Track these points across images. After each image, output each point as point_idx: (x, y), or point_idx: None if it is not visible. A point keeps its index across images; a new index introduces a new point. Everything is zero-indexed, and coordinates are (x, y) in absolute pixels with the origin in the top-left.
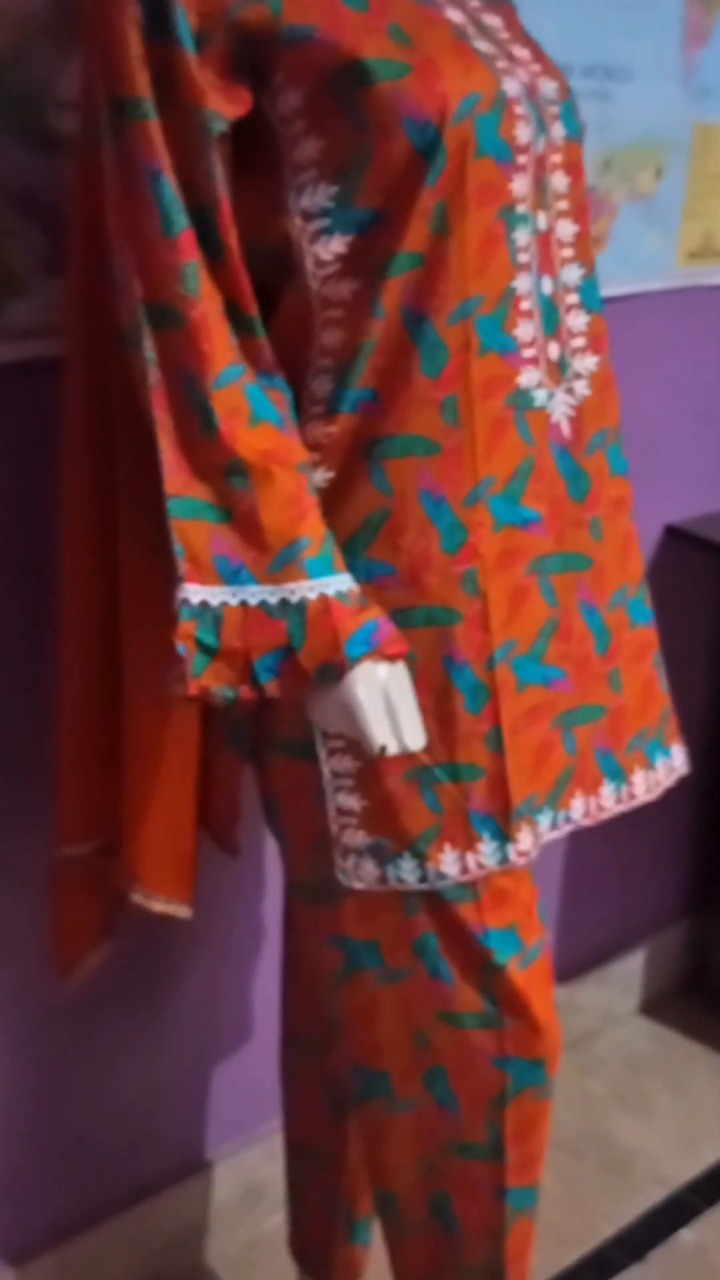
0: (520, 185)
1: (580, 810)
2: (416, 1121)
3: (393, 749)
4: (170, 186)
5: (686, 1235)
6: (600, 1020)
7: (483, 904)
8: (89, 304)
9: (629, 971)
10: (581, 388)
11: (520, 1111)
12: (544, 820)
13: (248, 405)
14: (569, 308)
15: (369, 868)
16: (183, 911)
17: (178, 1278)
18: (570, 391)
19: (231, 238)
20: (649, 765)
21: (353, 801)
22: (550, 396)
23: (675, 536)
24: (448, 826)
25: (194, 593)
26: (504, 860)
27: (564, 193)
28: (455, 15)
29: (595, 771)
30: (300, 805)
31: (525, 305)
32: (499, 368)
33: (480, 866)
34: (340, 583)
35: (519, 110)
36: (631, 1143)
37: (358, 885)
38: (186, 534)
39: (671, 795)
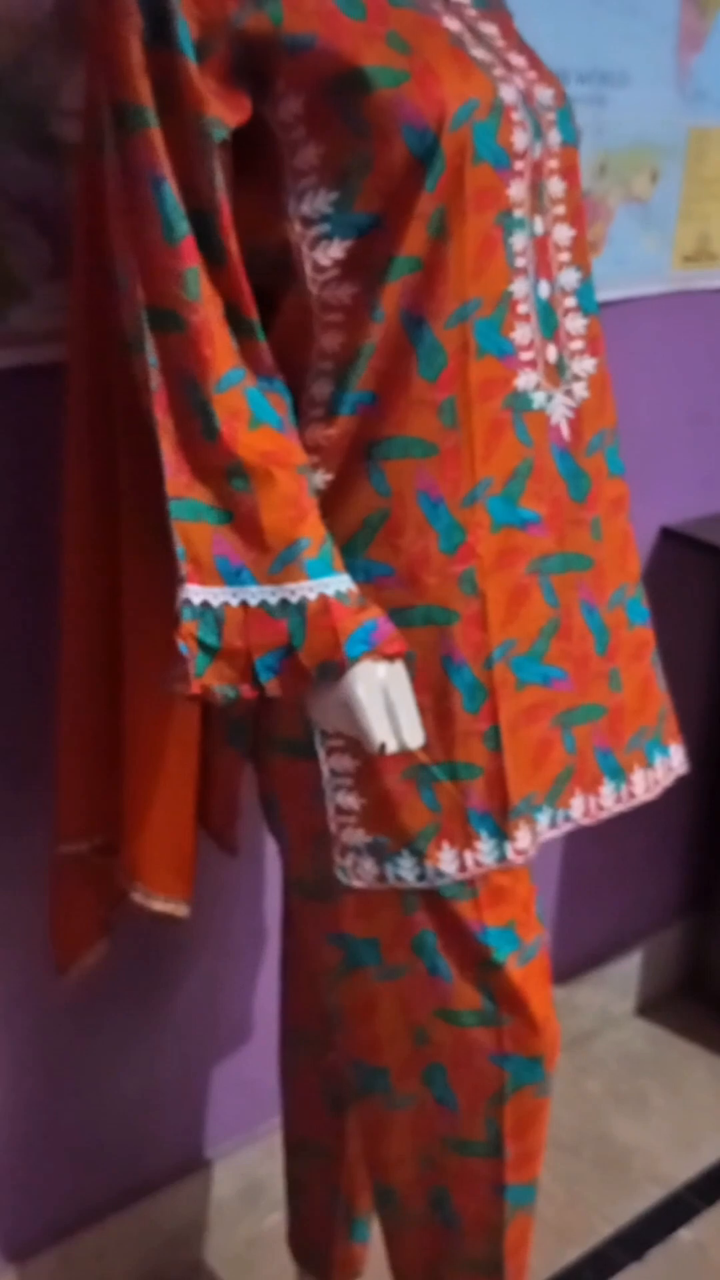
0: (517, 190)
1: (580, 809)
2: (415, 1117)
3: (392, 747)
4: (171, 193)
5: (685, 1234)
6: (598, 1021)
7: (481, 902)
8: (92, 309)
9: (626, 972)
10: (580, 390)
11: (519, 1108)
12: (543, 819)
13: (248, 408)
14: (566, 311)
15: (368, 866)
16: (181, 911)
17: (178, 1275)
18: (569, 394)
19: (232, 243)
20: (648, 764)
21: (352, 800)
22: (549, 398)
23: (670, 538)
24: (446, 825)
25: (195, 593)
26: (502, 858)
27: (560, 197)
28: (452, 23)
29: (595, 770)
30: (300, 804)
31: (522, 309)
32: (496, 370)
33: (478, 864)
34: (339, 583)
35: (516, 117)
36: (629, 1142)
37: (357, 883)
38: (188, 535)
39: (668, 796)
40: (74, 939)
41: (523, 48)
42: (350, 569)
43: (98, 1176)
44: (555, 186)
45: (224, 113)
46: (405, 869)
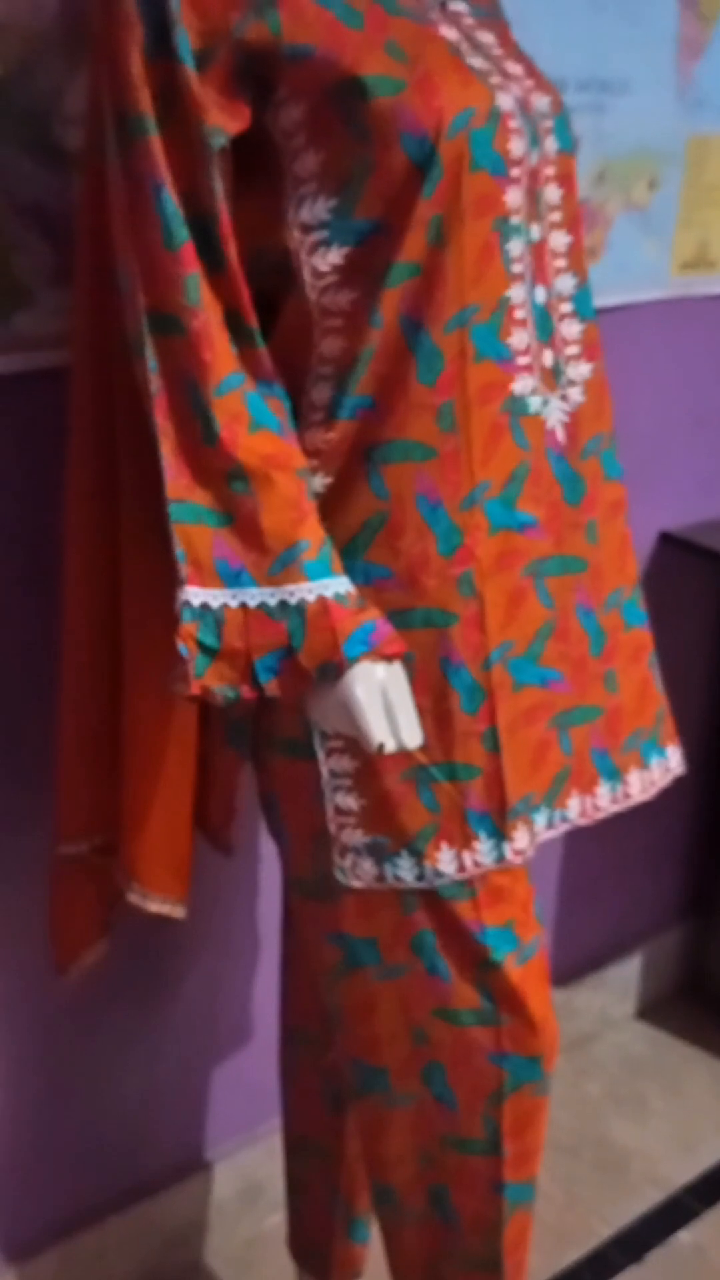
0: (514, 197)
1: (576, 810)
2: (414, 1116)
3: (390, 747)
4: (172, 200)
5: (684, 1236)
6: (597, 1024)
7: (480, 902)
8: (95, 312)
9: (626, 976)
10: (576, 394)
11: (517, 1107)
12: (540, 819)
13: (248, 412)
14: (563, 316)
15: (367, 866)
16: (178, 911)
17: (177, 1276)
18: (565, 398)
19: (231, 249)
20: (644, 765)
21: (351, 801)
22: (545, 403)
23: (670, 543)
24: (445, 825)
25: (195, 595)
26: (500, 858)
27: (557, 204)
28: (450, 32)
29: (591, 771)
30: (299, 804)
31: (520, 314)
32: (494, 375)
33: (477, 865)
34: (338, 584)
35: (513, 124)
36: (628, 1145)
37: (356, 883)
38: (188, 538)
39: (668, 800)
40: (73, 939)
41: (520, 56)
42: (350, 571)
43: (98, 1177)
44: (552, 193)
45: (224, 121)
46: (404, 869)
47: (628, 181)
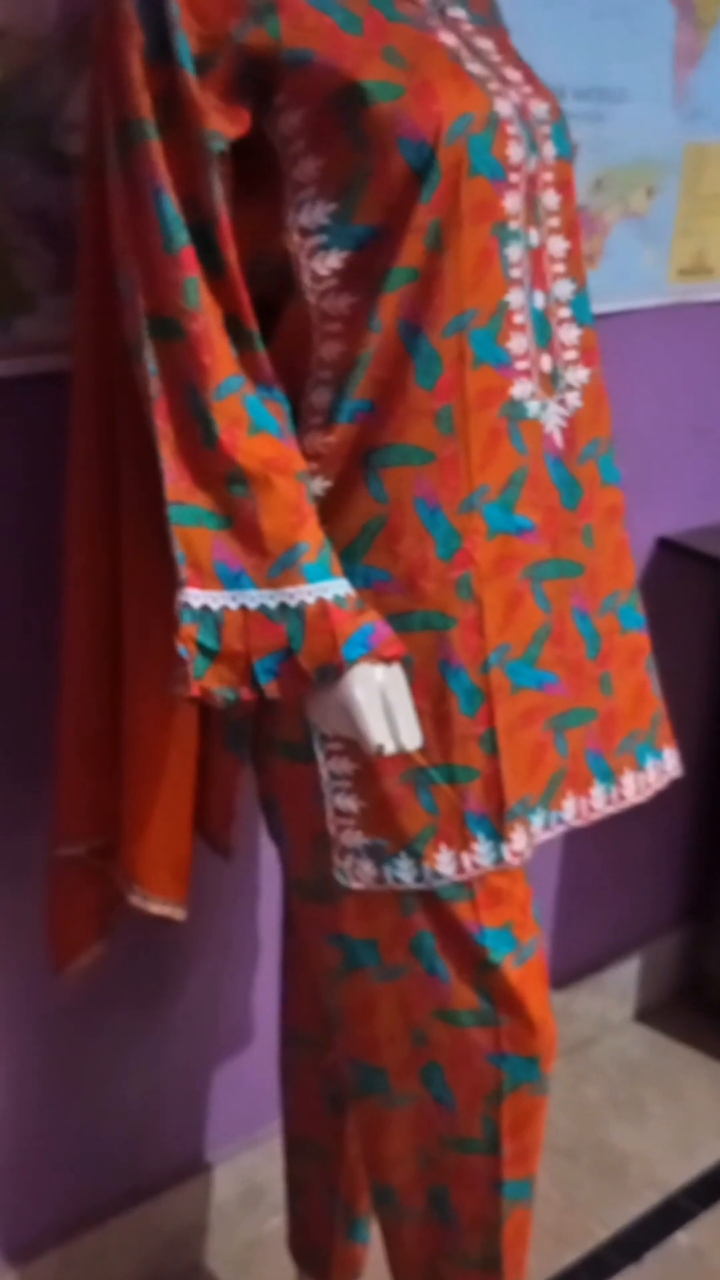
0: (512, 203)
1: (571, 811)
2: (414, 1116)
3: (390, 749)
4: (172, 204)
5: (682, 1238)
6: (596, 1027)
7: (478, 903)
8: (97, 318)
9: (624, 979)
10: (574, 399)
11: (516, 1107)
12: (537, 821)
13: (247, 415)
14: (561, 321)
15: (366, 867)
16: (178, 914)
17: (178, 1278)
18: (563, 403)
19: (231, 254)
20: (638, 767)
21: (350, 803)
22: (543, 407)
23: (668, 549)
24: (443, 827)
25: (195, 597)
26: (499, 860)
27: (555, 210)
28: (449, 39)
29: (586, 773)
30: (299, 806)
31: (518, 319)
32: (493, 379)
33: (475, 866)
34: (338, 587)
35: (511, 130)
36: (627, 1148)
37: (355, 885)
38: (188, 540)
39: (667, 804)
40: (71, 940)
41: (518, 62)
42: (349, 575)
43: (98, 1179)
44: (550, 199)
45: (224, 125)
46: (403, 870)
47: (626, 189)
